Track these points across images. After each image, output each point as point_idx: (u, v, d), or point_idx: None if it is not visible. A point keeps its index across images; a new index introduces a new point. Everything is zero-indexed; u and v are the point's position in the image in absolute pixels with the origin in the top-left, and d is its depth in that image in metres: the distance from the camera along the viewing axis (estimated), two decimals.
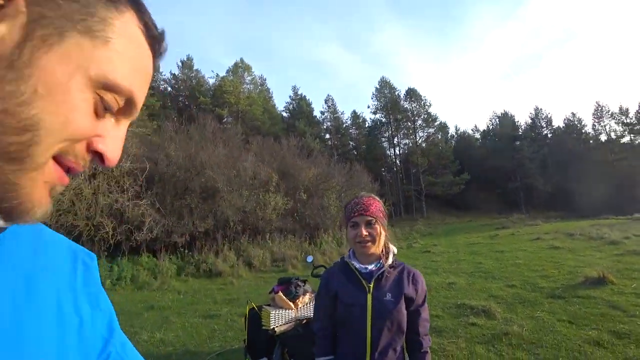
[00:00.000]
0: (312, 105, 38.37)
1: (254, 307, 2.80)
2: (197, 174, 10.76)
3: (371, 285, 1.38)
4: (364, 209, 1.40)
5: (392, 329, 1.34)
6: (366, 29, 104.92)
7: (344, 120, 41.17)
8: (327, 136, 39.29)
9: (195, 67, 35.07)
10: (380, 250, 1.42)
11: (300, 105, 37.24)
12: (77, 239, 7.72)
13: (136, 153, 9.72)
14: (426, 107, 37.46)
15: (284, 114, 39.28)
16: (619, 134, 36.29)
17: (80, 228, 7.77)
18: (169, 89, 34.23)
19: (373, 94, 39.41)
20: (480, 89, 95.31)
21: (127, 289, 7.30)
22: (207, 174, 10.62)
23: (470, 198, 34.91)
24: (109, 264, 7.92)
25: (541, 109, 40.45)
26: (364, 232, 1.37)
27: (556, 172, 35.08)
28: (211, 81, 34.84)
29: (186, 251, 9.42)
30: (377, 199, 1.47)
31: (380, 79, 39.18)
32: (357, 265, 1.42)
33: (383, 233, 1.42)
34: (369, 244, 1.38)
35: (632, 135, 35.11)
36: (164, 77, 34.21)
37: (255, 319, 2.74)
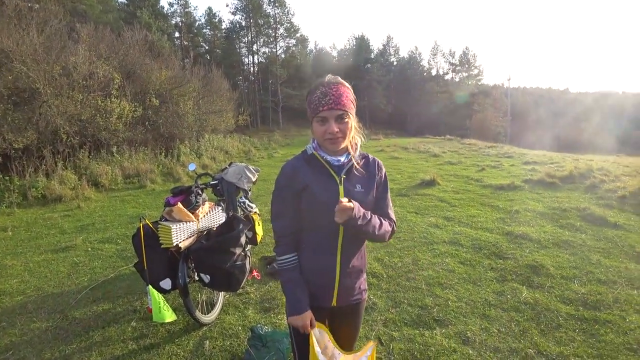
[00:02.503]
0: None
1: (147, 224, 2.37)
2: None
3: (343, 177, 1.29)
4: (334, 102, 1.20)
5: None
6: None
7: (197, 18, 35.76)
8: (177, 34, 33.70)
9: None
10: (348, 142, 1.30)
11: None
12: None
13: None
14: (289, 15, 35.81)
15: None
16: (445, 70, 44.37)
17: None
18: None
19: None
20: (342, 10, 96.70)
21: None
22: (18, 69, 7.75)
23: None
24: None
25: (392, 38, 44.69)
26: (335, 129, 1.21)
27: (396, 96, 40.88)
28: None
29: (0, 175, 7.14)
30: (346, 84, 1.26)
31: None
32: (329, 158, 1.28)
33: (354, 126, 1.29)
34: (340, 139, 1.24)
35: (454, 73, 43.65)
36: None
37: (150, 237, 2.35)
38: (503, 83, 43.86)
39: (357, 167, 1.31)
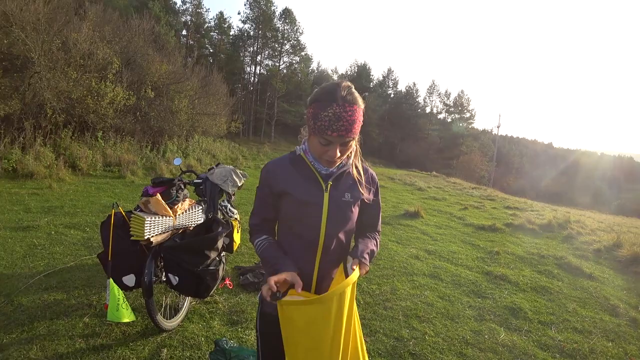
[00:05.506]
0: None
1: (120, 212, 2.19)
2: None
3: (329, 184, 1.19)
4: (346, 129, 1.06)
5: (345, 231, 1.22)
6: None
7: (207, 20, 35.97)
8: (184, 32, 33.79)
9: None
10: None
11: None
12: None
13: None
14: (298, 33, 36.44)
15: None
16: (439, 110, 45.86)
17: None
18: None
19: (247, 1, 35.43)
20: (349, 38, 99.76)
21: None
22: (15, 34, 7.49)
23: None
24: None
25: (393, 71, 45.98)
26: (337, 154, 1.12)
27: (389, 127, 41.74)
28: None
29: None
30: (361, 101, 1.13)
31: None
32: (317, 165, 1.19)
33: (357, 147, 1.24)
34: (337, 161, 1.17)
35: (446, 114, 45.15)
36: None
37: (120, 227, 2.17)
38: (492, 129, 45.53)
39: (348, 174, 1.23)
